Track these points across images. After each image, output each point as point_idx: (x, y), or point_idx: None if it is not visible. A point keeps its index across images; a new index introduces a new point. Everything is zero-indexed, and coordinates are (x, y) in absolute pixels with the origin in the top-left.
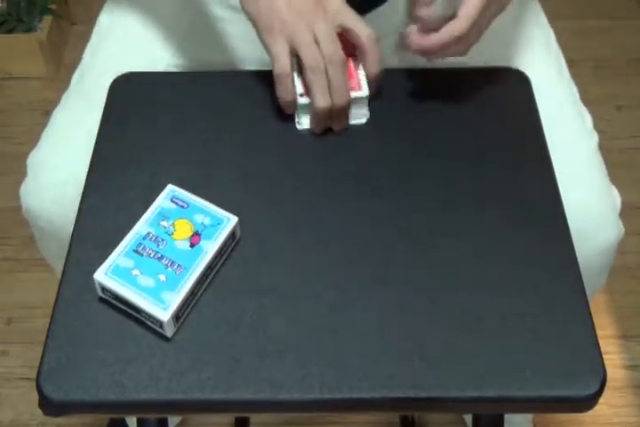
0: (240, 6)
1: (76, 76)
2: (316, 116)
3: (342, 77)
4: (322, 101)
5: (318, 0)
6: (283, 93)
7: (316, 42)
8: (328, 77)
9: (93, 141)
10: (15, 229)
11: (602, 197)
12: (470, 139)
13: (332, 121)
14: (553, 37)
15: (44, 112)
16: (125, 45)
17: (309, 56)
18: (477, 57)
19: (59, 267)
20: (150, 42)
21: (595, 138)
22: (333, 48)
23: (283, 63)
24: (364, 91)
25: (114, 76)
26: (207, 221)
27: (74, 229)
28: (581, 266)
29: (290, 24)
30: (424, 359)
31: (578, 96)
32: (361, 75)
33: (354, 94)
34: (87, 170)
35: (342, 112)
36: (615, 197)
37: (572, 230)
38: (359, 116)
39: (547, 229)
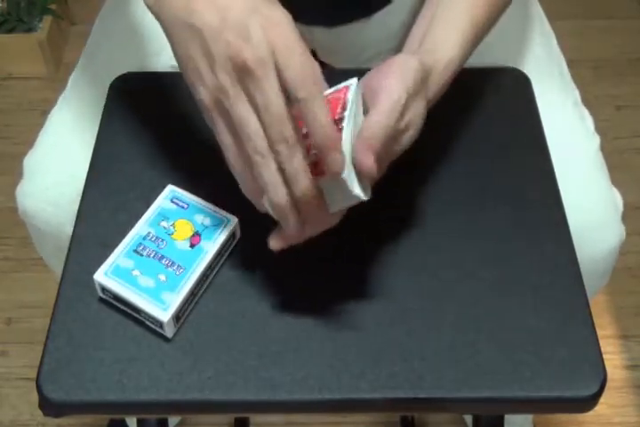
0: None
1: (73, 77)
2: (281, 215)
3: (296, 163)
4: (278, 196)
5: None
6: (241, 183)
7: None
8: (278, 164)
9: (90, 142)
10: (15, 229)
11: (604, 200)
12: (470, 139)
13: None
14: (554, 39)
15: (44, 112)
16: (124, 46)
17: (248, 145)
18: (477, 57)
19: (56, 267)
20: (149, 42)
21: (596, 140)
22: (280, 129)
23: (232, 154)
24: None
25: (112, 77)
26: (207, 221)
27: (74, 230)
28: (584, 268)
29: (217, 92)
30: (424, 359)
31: (579, 98)
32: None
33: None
34: (85, 170)
35: (311, 204)
36: (617, 200)
37: (575, 233)
38: (347, 199)
39: (547, 228)
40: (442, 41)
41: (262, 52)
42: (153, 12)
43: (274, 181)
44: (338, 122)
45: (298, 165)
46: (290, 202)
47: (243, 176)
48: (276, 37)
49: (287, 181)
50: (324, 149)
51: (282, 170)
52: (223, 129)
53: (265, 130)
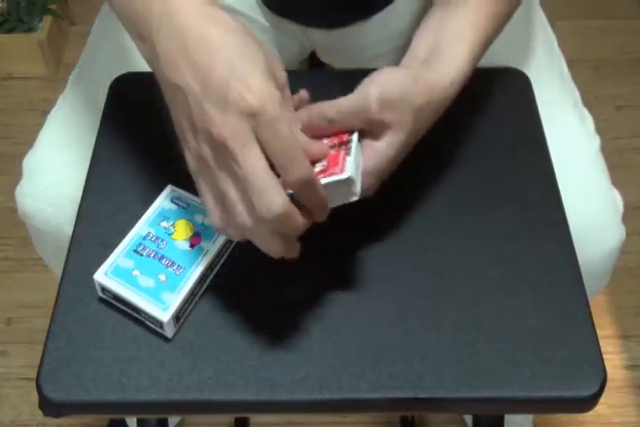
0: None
1: (72, 77)
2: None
3: (292, 227)
4: (274, 254)
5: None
6: (230, 238)
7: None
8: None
9: (89, 143)
10: (15, 229)
11: (604, 201)
12: (470, 139)
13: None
14: (554, 40)
15: (44, 112)
16: (124, 46)
17: (232, 217)
18: None
19: (56, 268)
20: None
21: (596, 141)
22: (265, 202)
23: (214, 216)
24: (345, 173)
25: (112, 77)
26: (207, 221)
27: (74, 230)
28: (584, 269)
29: (200, 160)
30: (424, 359)
31: (579, 99)
32: (348, 160)
33: (331, 179)
34: (84, 171)
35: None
36: (618, 201)
37: (575, 234)
38: (342, 197)
39: (547, 228)
40: (448, 57)
41: (243, 128)
42: (150, 67)
43: (268, 246)
44: (345, 143)
45: (296, 227)
46: (287, 252)
47: (230, 235)
48: (260, 113)
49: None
50: (319, 218)
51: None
52: (206, 193)
53: (247, 200)
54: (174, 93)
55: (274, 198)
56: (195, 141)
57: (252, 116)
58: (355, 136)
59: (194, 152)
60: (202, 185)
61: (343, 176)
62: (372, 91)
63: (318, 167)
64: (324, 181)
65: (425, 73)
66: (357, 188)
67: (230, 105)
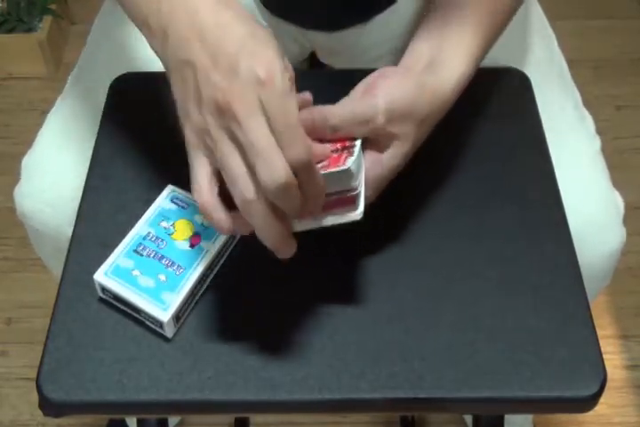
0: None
1: (71, 78)
2: (272, 247)
3: (292, 203)
4: (268, 237)
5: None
6: (214, 226)
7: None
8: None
9: (88, 143)
10: (15, 229)
11: (605, 203)
12: (470, 139)
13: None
14: (554, 41)
15: (44, 112)
16: (123, 47)
17: (233, 190)
18: None
19: (55, 268)
20: (147, 44)
21: (597, 142)
22: (269, 167)
23: (203, 193)
24: (347, 163)
25: (111, 78)
26: (207, 221)
27: (74, 230)
28: (585, 270)
29: (202, 133)
30: (424, 359)
31: (580, 100)
32: (350, 159)
33: (332, 169)
34: (83, 172)
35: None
36: (619, 202)
37: (576, 235)
38: (345, 215)
39: (547, 229)
40: (450, 63)
41: (248, 94)
42: (159, 56)
43: (265, 225)
44: (348, 148)
45: (295, 203)
46: (282, 240)
47: (213, 216)
48: (267, 85)
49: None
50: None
51: (273, 209)
52: (201, 168)
53: (251, 168)
54: (182, 70)
55: (279, 166)
56: (198, 114)
57: (262, 85)
58: (358, 142)
59: (196, 125)
60: (197, 159)
61: (344, 167)
62: (379, 102)
63: (319, 166)
64: (323, 171)
65: (428, 79)
66: (362, 205)
67: (240, 73)
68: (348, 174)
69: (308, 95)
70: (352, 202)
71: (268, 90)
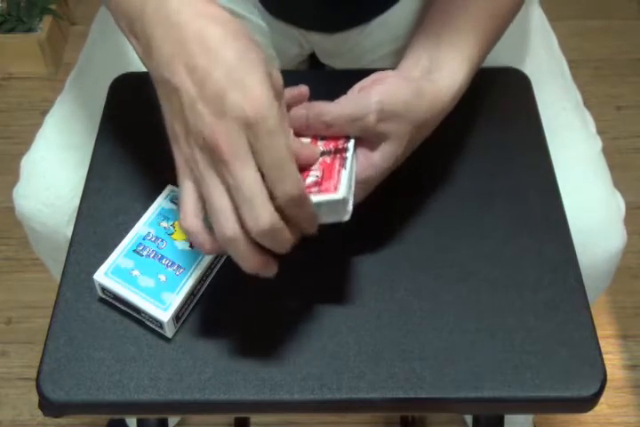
0: None
1: (71, 78)
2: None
3: (278, 243)
4: (249, 269)
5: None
6: (203, 250)
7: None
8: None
9: (87, 144)
10: (15, 229)
11: (606, 204)
12: (470, 139)
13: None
14: (555, 41)
15: (44, 112)
16: (123, 47)
17: (215, 225)
18: None
19: (53, 268)
20: None
21: (598, 142)
22: (254, 213)
23: (188, 219)
24: (338, 193)
25: (110, 78)
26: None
27: (74, 230)
28: (586, 271)
29: (190, 162)
30: (424, 359)
31: (580, 100)
32: (343, 174)
33: (321, 198)
34: (81, 172)
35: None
36: (620, 203)
37: (577, 236)
38: (333, 215)
39: (547, 229)
40: (449, 69)
41: (235, 135)
42: (144, 65)
43: (245, 259)
44: (341, 151)
45: (282, 243)
46: (262, 268)
47: (200, 242)
48: (255, 123)
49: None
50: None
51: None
52: (189, 193)
53: (237, 209)
54: (168, 93)
55: (263, 212)
56: (186, 144)
57: (249, 126)
58: (351, 145)
59: (184, 155)
60: (185, 183)
61: (337, 196)
62: (373, 101)
63: (312, 177)
64: (315, 198)
65: (426, 86)
66: (350, 207)
67: (227, 112)
68: (341, 202)
69: (304, 88)
70: (333, 188)
71: (257, 130)
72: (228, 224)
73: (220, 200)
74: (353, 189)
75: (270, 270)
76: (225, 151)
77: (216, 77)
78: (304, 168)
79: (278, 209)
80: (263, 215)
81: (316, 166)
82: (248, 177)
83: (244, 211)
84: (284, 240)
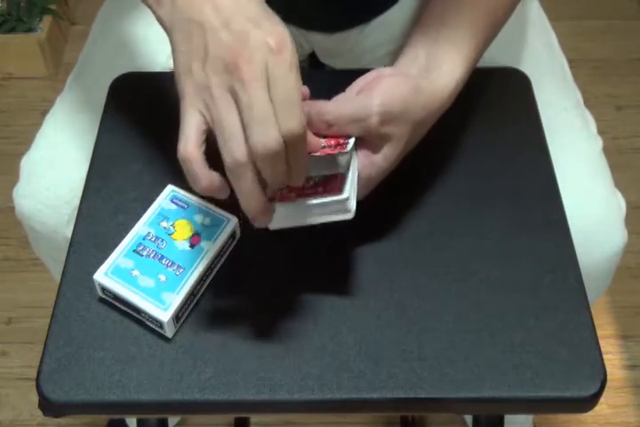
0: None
1: (71, 78)
2: (250, 215)
3: (278, 172)
4: (250, 204)
5: (248, 45)
6: (191, 183)
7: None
8: (261, 174)
9: (87, 144)
10: (15, 229)
11: (607, 203)
12: (470, 139)
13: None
14: (555, 41)
15: (44, 112)
16: (123, 47)
17: (225, 149)
18: None
19: (53, 268)
20: (146, 44)
21: (599, 142)
22: (263, 132)
23: (189, 145)
24: (343, 193)
25: (110, 78)
26: (207, 221)
27: (74, 230)
28: (587, 271)
29: (202, 88)
30: (424, 359)
31: (581, 100)
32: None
33: (326, 199)
34: (81, 172)
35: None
36: (621, 203)
37: (577, 236)
38: (336, 214)
39: (547, 229)
40: (447, 67)
41: (257, 58)
42: (158, 16)
43: (249, 191)
44: (343, 145)
45: (281, 173)
46: (262, 208)
47: (194, 171)
48: (275, 56)
49: (268, 185)
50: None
51: (259, 176)
52: (193, 120)
53: (245, 132)
54: (189, 28)
55: (273, 131)
56: (202, 71)
57: (272, 53)
58: (351, 143)
59: (197, 81)
60: (191, 115)
61: (342, 196)
62: (375, 103)
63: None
64: (319, 200)
65: (424, 84)
66: (353, 206)
67: (251, 39)
68: (345, 202)
69: (304, 89)
70: (338, 188)
71: (277, 59)
72: (239, 147)
73: (232, 123)
74: (356, 187)
75: (267, 215)
76: (244, 70)
77: (240, 16)
78: None
79: None
80: (272, 134)
81: None
82: (262, 97)
83: (253, 131)
84: (281, 172)
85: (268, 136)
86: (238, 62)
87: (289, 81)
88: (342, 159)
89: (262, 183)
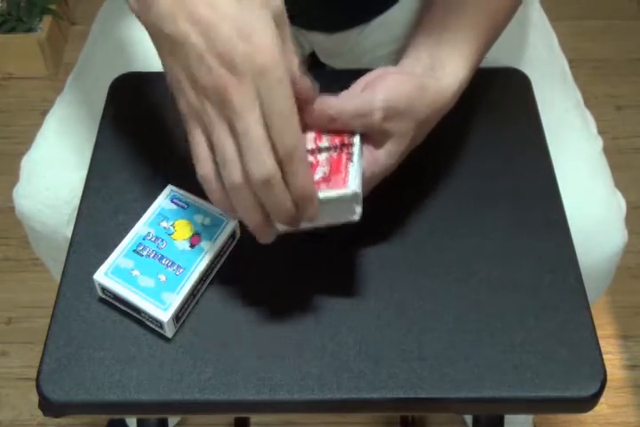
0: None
1: (71, 78)
2: (253, 231)
3: (274, 197)
4: (249, 221)
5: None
6: (213, 198)
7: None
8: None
9: (86, 144)
10: (15, 229)
11: (607, 203)
12: (470, 139)
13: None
14: (555, 41)
15: (44, 112)
16: (123, 47)
17: (223, 171)
18: None
19: (53, 268)
20: (146, 44)
21: (599, 142)
22: (257, 160)
23: (204, 164)
24: (348, 187)
25: (109, 79)
26: (207, 221)
27: (74, 230)
28: (587, 271)
29: (199, 111)
30: (424, 359)
31: (581, 100)
32: (351, 168)
33: (331, 193)
34: (81, 172)
35: (292, 223)
36: (621, 203)
37: (578, 236)
38: (342, 215)
39: (547, 229)
40: (449, 67)
41: (247, 86)
42: (139, 20)
43: (247, 209)
44: (348, 146)
45: (277, 198)
46: (262, 225)
47: (212, 187)
48: (264, 73)
49: (268, 210)
50: (301, 202)
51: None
52: (199, 139)
53: (241, 156)
54: (171, 46)
55: (267, 158)
56: (193, 93)
57: (260, 76)
58: (357, 139)
59: (193, 106)
60: (196, 135)
61: (346, 191)
62: (378, 98)
63: (319, 173)
64: (324, 194)
65: (429, 83)
66: (359, 207)
67: (237, 64)
68: (351, 198)
69: (312, 86)
70: (342, 184)
71: (267, 79)
72: (236, 171)
73: (228, 149)
74: (361, 184)
75: (267, 233)
76: (236, 102)
77: (221, 28)
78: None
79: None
80: (267, 161)
81: (323, 162)
82: (256, 125)
83: (248, 158)
84: (281, 197)
85: (262, 164)
86: (228, 91)
87: (281, 97)
88: (355, 197)
89: (263, 209)
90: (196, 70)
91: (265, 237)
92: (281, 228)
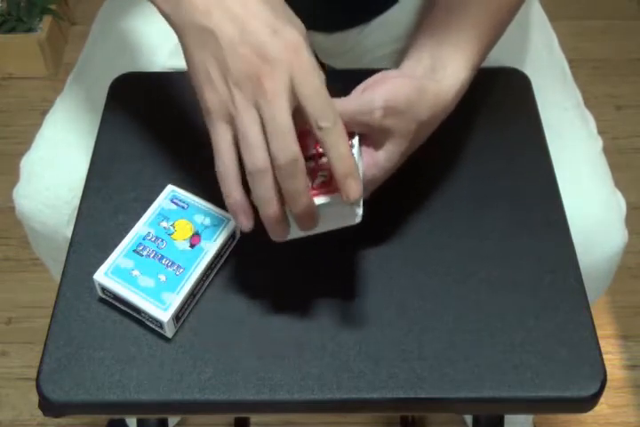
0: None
1: (71, 78)
2: (268, 225)
3: (296, 183)
4: (268, 211)
5: (270, 59)
6: (228, 195)
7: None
8: (278, 183)
9: (86, 144)
10: (15, 229)
11: (607, 203)
12: (470, 139)
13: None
14: (555, 41)
15: (44, 112)
16: (123, 47)
17: (248, 157)
18: None
19: (53, 268)
20: (146, 44)
21: (599, 142)
22: (284, 144)
23: (225, 159)
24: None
25: (110, 79)
26: (207, 221)
27: (74, 230)
28: (587, 271)
29: (226, 101)
30: (424, 359)
31: (581, 100)
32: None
33: (334, 197)
34: (81, 172)
35: (307, 216)
36: (621, 203)
37: (578, 236)
38: (343, 219)
39: (547, 229)
40: (450, 68)
41: (280, 73)
42: (164, 14)
43: (268, 197)
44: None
45: (299, 184)
46: (280, 217)
47: (229, 184)
48: (295, 63)
49: (286, 199)
50: (342, 177)
51: (278, 185)
52: (223, 134)
53: (268, 143)
54: (201, 37)
55: (293, 143)
56: (223, 84)
57: (292, 65)
58: (355, 141)
59: (221, 95)
60: (220, 129)
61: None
62: (378, 96)
63: (320, 178)
64: (325, 199)
65: (430, 84)
66: (360, 210)
67: (270, 53)
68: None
69: None
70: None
71: (298, 68)
72: (260, 155)
73: (255, 134)
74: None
75: (283, 230)
76: (268, 88)
77: (254, 22)
78: (312, 174)
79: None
80: (292, 145)
81: (323, 166)
82: (285, 111)
83: (275, 142)
84: (302, 183)
85: (288, 147)
86: (261, 78)
87: (314, 80)
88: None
89: (281, 199)
90: (229, 59)
91: (279, 233)
92: (289, 236)
